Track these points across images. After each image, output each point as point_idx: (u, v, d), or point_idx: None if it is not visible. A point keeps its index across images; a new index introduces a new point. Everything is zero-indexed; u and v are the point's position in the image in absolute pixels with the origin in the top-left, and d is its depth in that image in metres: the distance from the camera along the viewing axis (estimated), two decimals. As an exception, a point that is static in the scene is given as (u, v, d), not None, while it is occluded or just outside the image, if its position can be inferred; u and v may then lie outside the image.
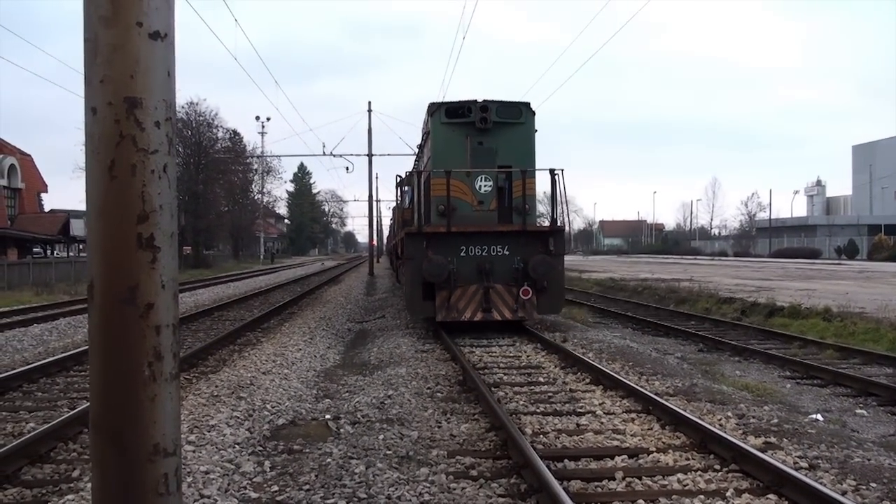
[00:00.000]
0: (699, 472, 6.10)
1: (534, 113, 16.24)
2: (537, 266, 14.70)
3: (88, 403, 2.39)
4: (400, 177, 22.74)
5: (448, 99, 16.62)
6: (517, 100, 16.25)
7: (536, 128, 16.32)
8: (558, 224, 15.50)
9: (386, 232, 73.53)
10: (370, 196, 49.05)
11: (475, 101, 15.79)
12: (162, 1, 2.10)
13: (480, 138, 15.74)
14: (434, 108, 16.15)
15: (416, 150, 21.48)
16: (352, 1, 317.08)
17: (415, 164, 21.70)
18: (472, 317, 14.74)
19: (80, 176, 56.61)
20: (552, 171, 15.55)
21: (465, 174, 15.44)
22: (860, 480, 5.88)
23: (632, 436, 7.27)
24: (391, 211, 38.48)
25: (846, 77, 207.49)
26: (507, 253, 14.98)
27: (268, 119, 73.93)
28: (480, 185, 15.53)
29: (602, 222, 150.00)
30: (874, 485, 5.80)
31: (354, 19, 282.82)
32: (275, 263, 75.65)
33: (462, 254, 14.92)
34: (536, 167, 15.99)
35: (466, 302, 14.74)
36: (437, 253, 14.72)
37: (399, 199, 23.83)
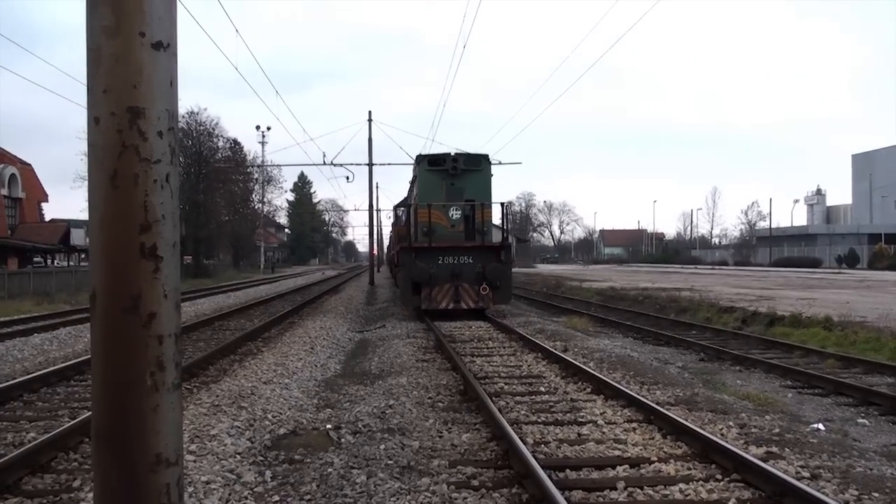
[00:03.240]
0: (701, 482, 6.09)
1: (490, 162, 22.30)
2: (492, 271, 20.32)
3: (89, 413, 2.39)
4: (395, 206, 31.64)
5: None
6: (479, 153, 22.61)
7: (492, 172, 22.35)
8: (508, 241, 21.90)
9: (386, 242, 73.66)
10: (370, 205, 48.89)
11: (449, 153, 22.10)
12: (165, 11, 2.10)
13: (452, 180, 21.61)
14: (420, 159, 22.58)
15: (409, 187, 28.21)
16: (351, 11, 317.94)
17: (407, 195, 28.23)
18: (446, 306, 20.30)
19: (81, 185, 56.74)
20: (502, 204, 22.55)
21: (442, 206, 21.25)
22: (862, 490, 5.87)
23: (633, 445, 7.26)
24: (391, 226, 44.26)
25: (845, 86, 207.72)
26: (471, 261, 20.55)
27: (268, 128, 73.71)
28: (452, 214, 21.30)
29: (602, 231, 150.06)
30: (876, 494, 5.78)
31: (353, 29, 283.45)
32: (275, 273, 75.54)
33: (439, 262, 20.45)
34: (492, 201, 22.04)
35: (443, 295, 20.29)
36: (421, 261, 20.38)
37: (396, 219, 30.90)
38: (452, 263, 20.44)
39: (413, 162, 24.09)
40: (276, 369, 12.14)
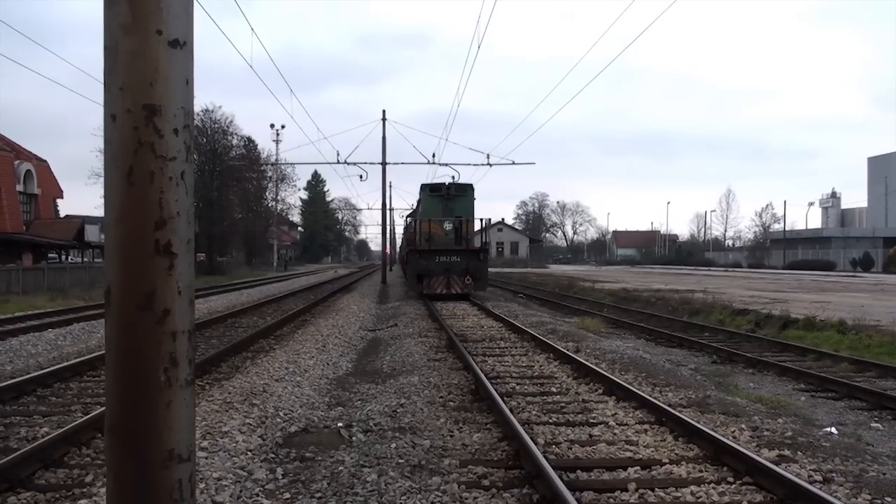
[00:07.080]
0: (712, 485, 6.07)
1: (473, 189, 31.49)
2: (473, 266, 28.74)
3: (102, 408, 2.40)
4: (406, 216, 44.57)
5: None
6: (465, 183, 32.84)
7: (475, 196, 31.54)
8: (485, 245, 30.53)
9: (398, 242, 73.82)
10: (384, 205, 48.86)
11: (444, 183, 31.64)
12: (182, 9, 2.11)
13: (447, 202, 30.39)
14: (424, 187, 31.72)
15: (414, 206, 38.05)
16: (363, 11, 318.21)
17: (414, 210, 37.56)
18: (440, 291, 28.28)
19: (96, 182, 56.99)
20: (482, 219, 31.46)
21: (439, 220, 29.86)
22: (875, 494, 5.83)
23: (645, 447, 7.24)
24: (403, 229, 49.78)
25: (860, 89, 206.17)
26: (459, 260, 28.75)
27: (282, 127, 73.71)
28: (446, 226, 29.86)
29: (615, 233, 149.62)
30: (889, 499, 5.75)
31: (366, 29, 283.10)
32: (288, 271, 75.64)
33: (436, 260, 28.65)
34: (475, 217, 30.80)
35: (438, 284, 28.47)
36: (424, 259, 28.84)
37: (407, 227, 40.37)
38: (445, 261, 28.60)
39: (419, 188, 33.23)
40: (288, 367, 12.17)
